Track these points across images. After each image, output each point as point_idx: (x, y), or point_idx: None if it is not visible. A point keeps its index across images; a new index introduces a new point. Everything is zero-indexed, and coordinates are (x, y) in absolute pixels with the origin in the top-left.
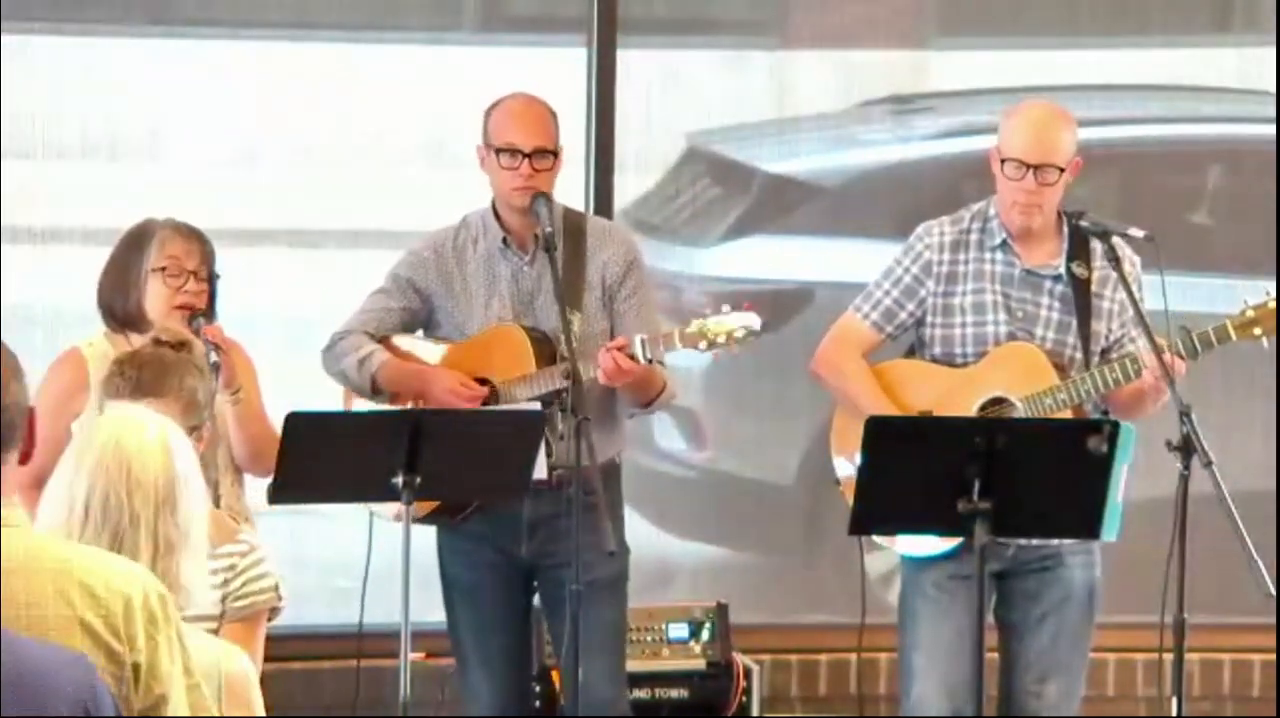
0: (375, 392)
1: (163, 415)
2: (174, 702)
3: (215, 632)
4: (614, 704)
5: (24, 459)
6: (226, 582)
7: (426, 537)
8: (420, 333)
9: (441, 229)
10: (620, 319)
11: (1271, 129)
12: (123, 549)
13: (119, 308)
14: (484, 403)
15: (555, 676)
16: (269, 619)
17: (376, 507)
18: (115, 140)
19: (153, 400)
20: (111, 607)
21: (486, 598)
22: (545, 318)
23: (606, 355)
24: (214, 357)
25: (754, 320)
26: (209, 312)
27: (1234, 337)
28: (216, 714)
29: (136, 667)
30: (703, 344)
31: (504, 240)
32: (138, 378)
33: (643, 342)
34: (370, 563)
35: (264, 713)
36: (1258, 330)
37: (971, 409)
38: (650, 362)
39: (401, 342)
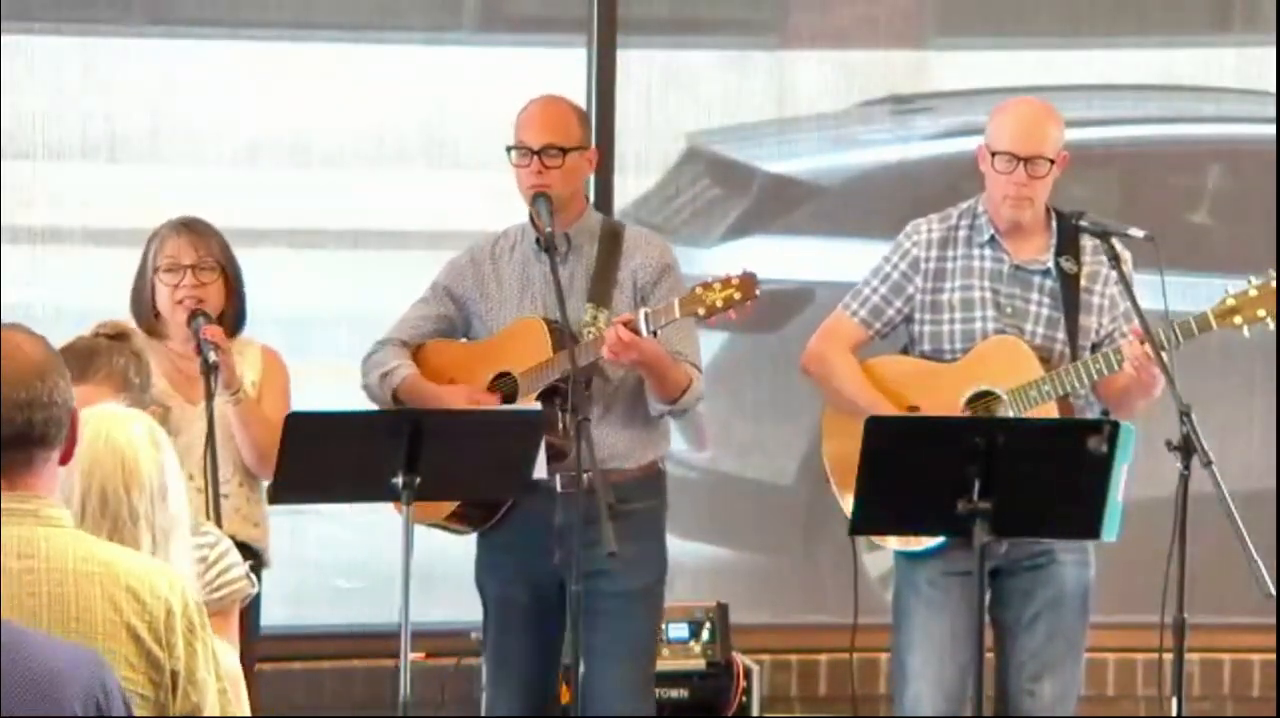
0: (397, 403)
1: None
2: (208, 710)
3: None
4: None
5: (64, 459)
6: (200, 574)
7: (427, 537)
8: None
9: (482, 238)
10: None
11: (1271, 129)
12: (124, 542)
13: (142, 311)
14: (505, 395)
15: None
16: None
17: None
18: (115, 140)
19: (78, 387)
20: (155, 613)
21: (513, 610)
22: (577, 317)
23: (610, 329)
24: (213, 357)
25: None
26: (233, 303)
27: (1214, 325)
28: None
29: (175, 674)
30: (701, 311)
31: (537, 242)
32: None
33: (645, 315)
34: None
35: (249, 708)
36: (1238, 319)
37: (958, 403)
38: (654, 334)
39: (436, 345)
